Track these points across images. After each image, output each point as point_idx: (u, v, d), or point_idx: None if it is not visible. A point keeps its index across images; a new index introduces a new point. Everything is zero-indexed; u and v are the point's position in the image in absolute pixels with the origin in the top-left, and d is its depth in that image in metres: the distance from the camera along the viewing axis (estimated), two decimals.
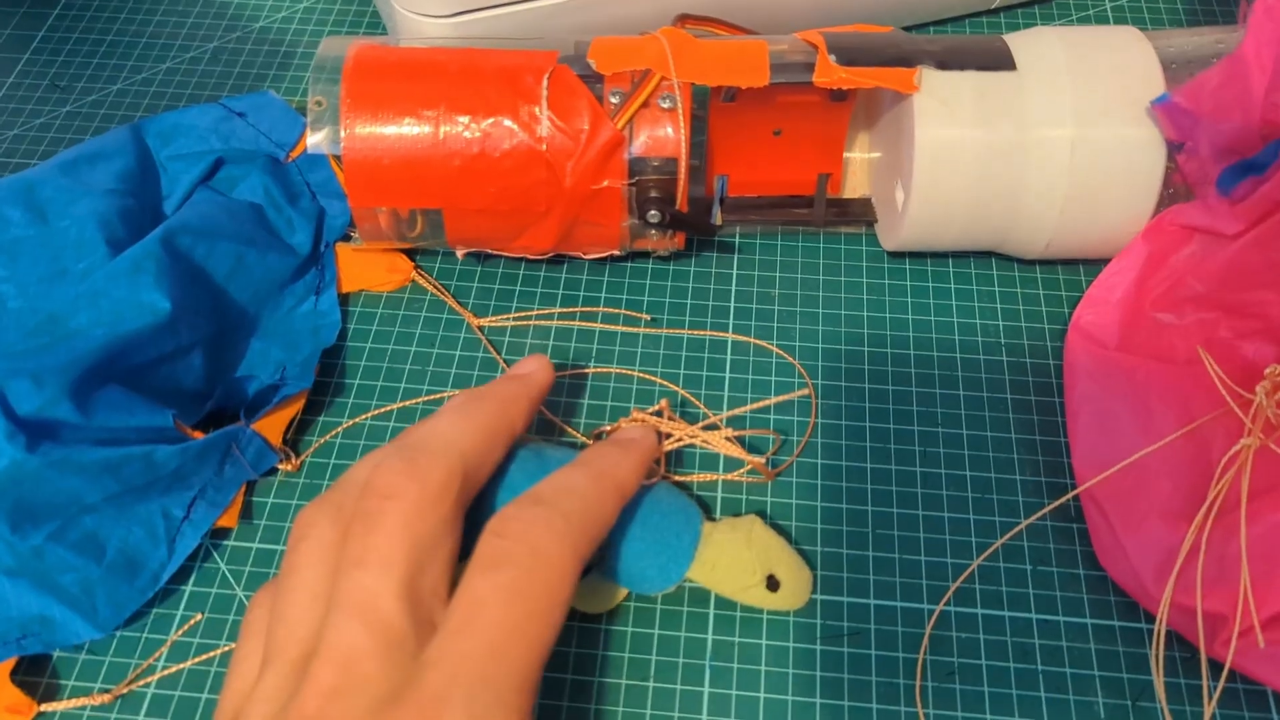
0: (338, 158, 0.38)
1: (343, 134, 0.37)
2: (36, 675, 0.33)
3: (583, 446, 0.38)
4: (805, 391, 0.39)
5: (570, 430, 0.38)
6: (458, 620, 0.25)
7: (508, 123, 0.37)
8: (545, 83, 0.37)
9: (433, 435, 0.29)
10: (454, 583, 0.27)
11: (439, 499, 0.27)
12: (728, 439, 0.35)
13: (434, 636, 0.25)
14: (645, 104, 0.38)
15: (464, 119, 0.37)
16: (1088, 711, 0.33)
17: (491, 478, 0.31)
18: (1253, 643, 0.31)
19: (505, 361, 0.40)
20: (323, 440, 0.39)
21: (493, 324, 0.42)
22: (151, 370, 0.36)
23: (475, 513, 0.30)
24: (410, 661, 0.24)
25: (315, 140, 0.38)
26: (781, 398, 0.38)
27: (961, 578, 0.35)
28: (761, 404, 0.38)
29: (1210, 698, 0.32)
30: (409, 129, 0.37)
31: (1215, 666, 0.32)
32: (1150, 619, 0.34)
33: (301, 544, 0.27)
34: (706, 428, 0.37)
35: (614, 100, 0.38)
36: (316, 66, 0.38)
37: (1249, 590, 0.31)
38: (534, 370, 0.34)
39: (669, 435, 0.35)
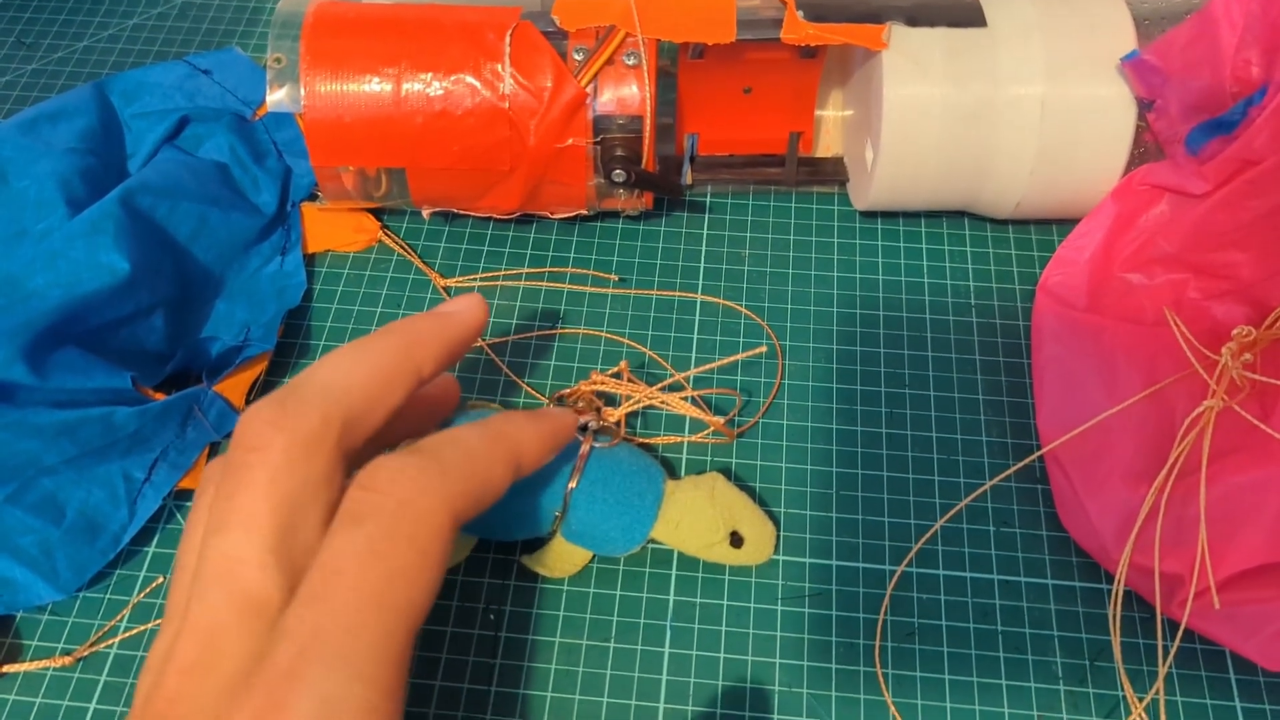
0: (300, 116, 0.37)
1: (303, 92, 0.37)
2: None
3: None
4: (762, 349, 0.39)
5: (533, 392, 0.38)
6: (313, 586, 0.23)
7: (470, 80, 0.36)
8: (508, 39, 0.37)
9: (310, 379, 0.26)
10: None
11: (312, 450, 0.24)
12: (686, 399, 0.35)
13: (290, 604, 0.23)
14: (610, 61, 0.37)
15: (426, 76, 0.37)
16: (1046, 671, 0.33)
17: None
18: (1209, 603, 0.31)
19: None
20: None
21: (459, 284, 0.41)
22: (111, 332, 0.36)
23: None
24: (273, 630, 0.22)
25: (275, 98, 0.37)
26: (740, 355, 0.37)
27: (924, 539, 0.35)
28: (718, 363, 0.38)
29: (1165, 658, 0.32)
30: (370, 87, 0.37)
31: (1174, 627, 0.33)
32: (1111, 580, 0.34)
33: (195, 501, 0.26)
34: (670, 388, 0.36)
35: (578, 57, 0.37)
36: (276, 23, 0.37)
37: (1206, 552, 0.31)
38: (461, 310, 0.30)
39: (628, 397, 0.35)
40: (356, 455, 0.26)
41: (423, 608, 0.23)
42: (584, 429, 0.34)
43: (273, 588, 0.23)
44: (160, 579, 0.35)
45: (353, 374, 0.26)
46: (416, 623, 0.23)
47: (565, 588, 0.34)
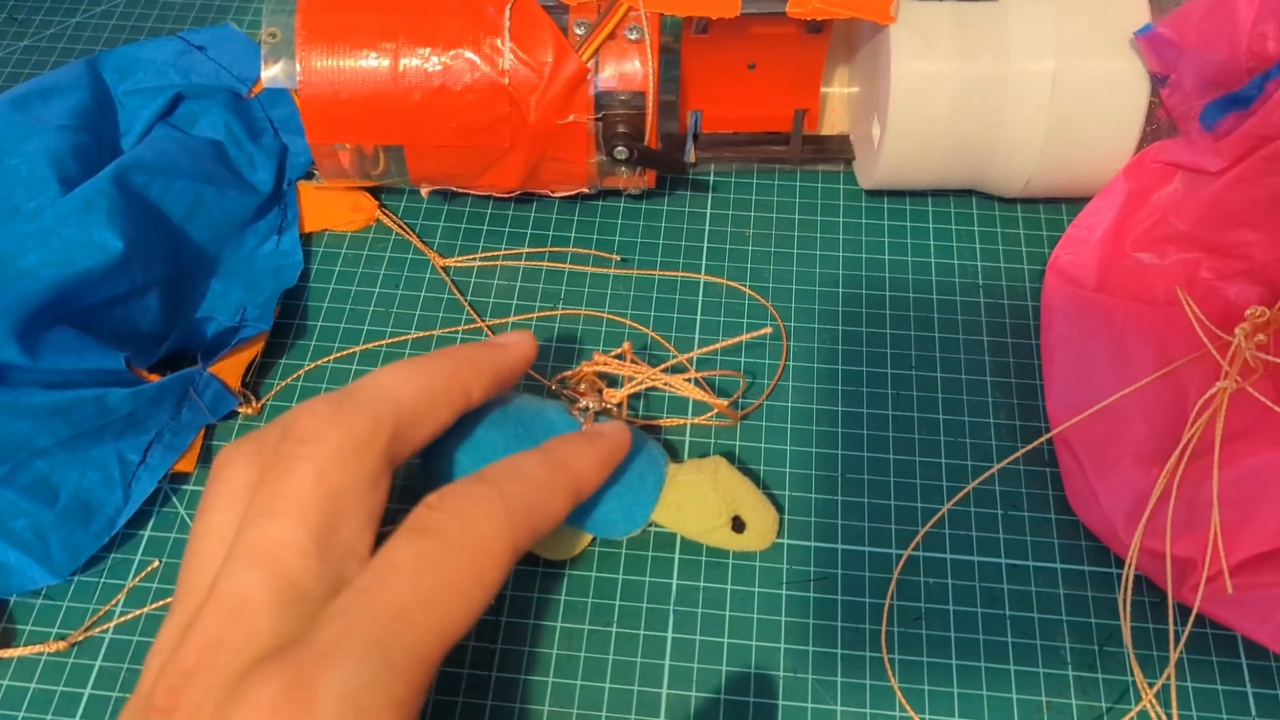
0: (295, 92, 0.37)
1: (298, 68, 0.36)
2: None
3: (549, 393, 0.37)
4: (767, 330, 0.38)
5: (535, 375, 0.38)
6: (368, 579, 0.23)
7: (469, 55, 0.36)
8: (508, 13, 0.36)
9: (367, 384, 0.27)
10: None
11: (362, 450, 0.25)
12: (689, 381, 0.35)
13: (340, 593, 0.23)
14: (612, 35, 0.36)
15: (424, 51, 0.36)
16: (1054, 656, 0.32)
17: (457, 434, 0.30)
18: (1221, 588, 0.30)
19: (470, 303, 0.40)
20: (284, 383, 0.38)
21: (459, 264, 0.41)
22: (105, 311, 0.35)
23: (436, 474, 0.31)
24: (309, 619, 0.23)
25: (270, 75, 0.36)
26: (744, 337, 0.37)
27: (930, 522, 0.35)
28: (722, 345, 0.37)
29: (1177, 643, 0.32)
30: (367, 62, 0.36)
31: (1185, 612, 0.32)
32: (1120, 564, 0.34)
33: (213, 485, 0.26)
34: (672, 370, 0.36)
35: (579, 32, 0.36)
36: None
37: (1219, 536, 0.30)
38: (513, 342, 0.31)
39: (630, 379, 0.34)
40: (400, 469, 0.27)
41: (465, 625, 0.24)
42: (585, 411, 0.33)
43: (312, 576, 0.23)
44: (156, 563, 0.34)
45: (406, 386, 0.27)
46: (456, 637, 0.24)
47: (567, 572, 0.34)
